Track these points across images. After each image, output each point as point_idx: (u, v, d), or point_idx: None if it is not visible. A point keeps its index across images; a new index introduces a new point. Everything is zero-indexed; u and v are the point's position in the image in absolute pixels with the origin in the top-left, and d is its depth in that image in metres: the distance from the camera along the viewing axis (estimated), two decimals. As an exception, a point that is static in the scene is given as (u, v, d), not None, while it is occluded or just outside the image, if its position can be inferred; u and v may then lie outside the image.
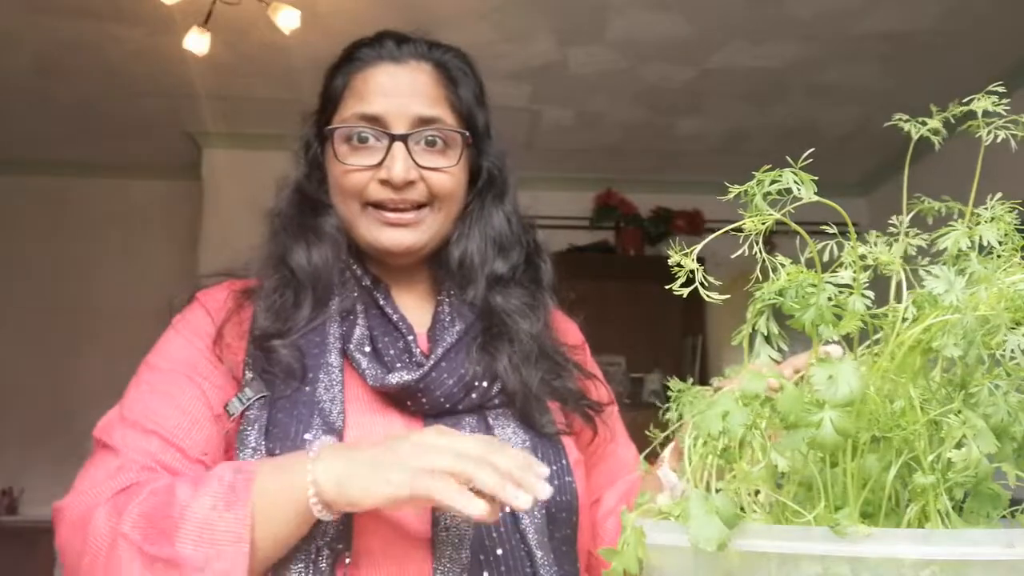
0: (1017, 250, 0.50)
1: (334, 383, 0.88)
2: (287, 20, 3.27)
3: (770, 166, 0.52)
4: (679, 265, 0.55)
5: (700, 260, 0.55)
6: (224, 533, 0.71)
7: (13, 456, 4.71)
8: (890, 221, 0.55)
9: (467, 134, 0.98)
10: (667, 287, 0.56)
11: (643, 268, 4.71)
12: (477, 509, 0.68)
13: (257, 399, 0.86)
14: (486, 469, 0.70)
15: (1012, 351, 0.45)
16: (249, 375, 0.89)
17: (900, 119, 0.56)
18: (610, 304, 4.41)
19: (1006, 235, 0.50)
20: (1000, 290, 0.46)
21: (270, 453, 0.82)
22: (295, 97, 4.16)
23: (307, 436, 0.83)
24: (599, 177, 5.00)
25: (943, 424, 0.46)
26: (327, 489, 0.72)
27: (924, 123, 0.55)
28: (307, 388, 0.87)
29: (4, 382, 4.83)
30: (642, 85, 4.17)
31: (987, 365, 0.47)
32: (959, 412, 0.45)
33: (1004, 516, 0.48)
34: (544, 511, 0.87)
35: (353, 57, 1.00)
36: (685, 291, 0.55)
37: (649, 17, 3.60)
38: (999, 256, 0.49)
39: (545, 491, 0.70)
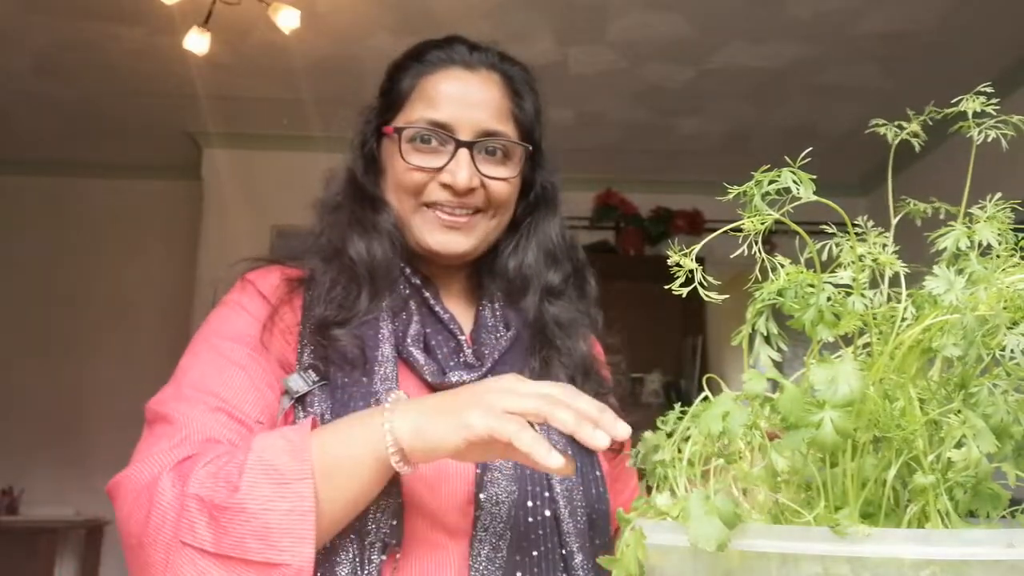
0: (1015, 249, 0.49)
1: (390, 375, 0.88)
2: (287, 20, 3.28)
3: (769, 166, 0.52)
4: (678, 265, 0.55)
5: (699, 260, 0.55)
6: (288, 473, 0.71)
7: (14, 456, 4.71)
8: (842, 221, 0.55)
9: (529, 147, 1.00)
10: (667, 287, 0.56)
11: (643, 268, 4.71)
12: (554, 460, 0.66)
13: (320, 385, 0.86)
14: (562, 408, 0.68)
15: (1012, 351, 0.45)
16: (306, 361, 0.88)
17: (878, 124, 0.56)
18: (610, 304, 4.40)
19: (1003, 234, 0.50)
20: (1000, 290, 0.46)
21: None
22: (295, 97, 4.17)
23: None
24: (599, 177, 5.00)
25: (942, 424, 0.46)
26: (404, 438, 0.72)
27: (902, 127, 0.55)
28: (365, 379, 0.87)
29: (3, 382, 4.83)
30: (642, 85, 4.17)
31: (986, 365, 0.47)
32: (959, 412, 0.45)
33: (1004, 516, 0.48)
34: (587, 516, 0.88)
35: (423, 59, 1.00)
36: (684, 291, 0.55)
37: (649, 17, 3.60)
38: (997, 256, 0.49)
39: (624, 430, 0.68)
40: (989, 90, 0.52)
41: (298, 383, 0.87)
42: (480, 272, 1.03)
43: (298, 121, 4.23)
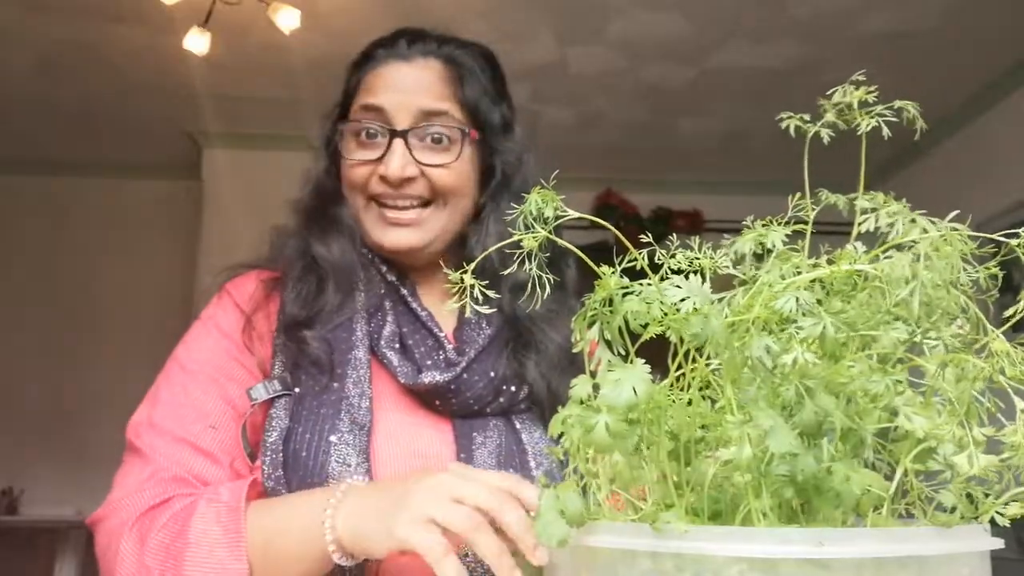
0: (795, 251, 0.51)
1: (362, 379, 0.87)
2: (287, 20, 3.28)
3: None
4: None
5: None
6: (225, 570, 0.73)
7: (13, 456, 4.71)
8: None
9: (467, 130, 0.96)
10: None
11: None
12: None
13: (282, 395, 0.86)
14: (484, 535, 0.63)
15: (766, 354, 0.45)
16: (278, 369, 0.89)
17: (785, 116, 0.56)
18: (610, 304, 4.40)
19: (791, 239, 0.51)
20: (758, 294, 0.47)
21: (294, 455, 0.83)
22: (295, 97, 4.17)
23: (332, 438, 0.83)
24: (599, 177, 5.00)
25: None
26: (344, 539, 0.71)
27: (804, 120, 0.56)
28: (335, 384, 0.87)
29: (3, 382, 4.83)
30: (642, 85, 4.17)
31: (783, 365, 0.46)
32: (742, 411, 0.45)
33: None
34: None
35: (369, 56, 1.00)
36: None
37: (649, 17, 3.60)
38: (783, 259, 0.50)
39: (542, 558, 0.61)
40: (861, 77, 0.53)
41: (260, 392, 0.87)
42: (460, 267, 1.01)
43: (298, 121, 4.23)
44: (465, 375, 0.89)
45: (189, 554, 0.74)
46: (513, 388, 0.92)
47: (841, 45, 3.77)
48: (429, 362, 0.91)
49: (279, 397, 0.87)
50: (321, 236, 0.96)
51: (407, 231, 0.94)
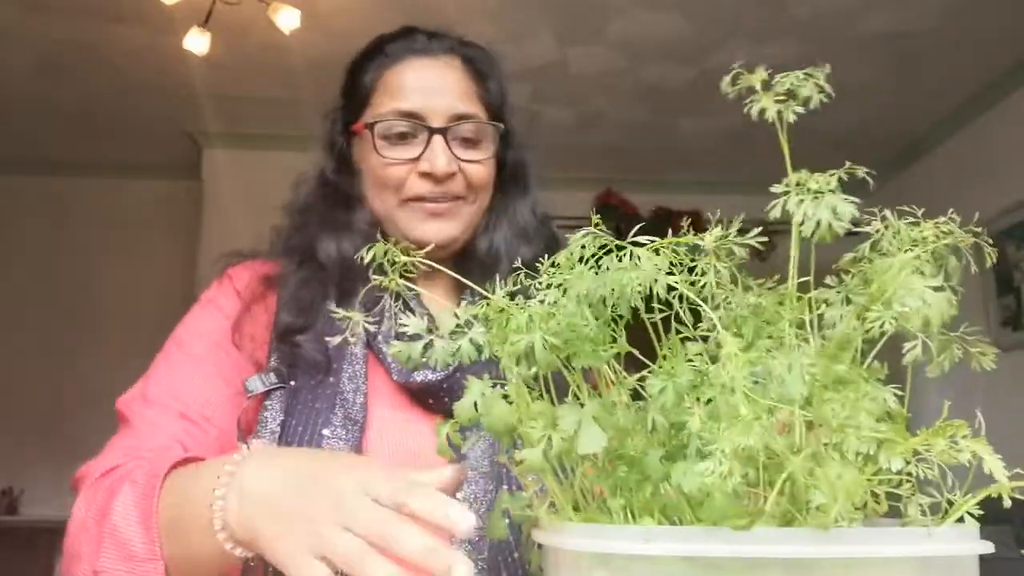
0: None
1: (358, 374, 0.88)
2: (287, 20, 3.28)
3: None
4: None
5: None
6: (137, 553, 0.69)
7: (13, 456, 4.71)
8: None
9: (500, 127, 0.98)
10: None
11: (643, 268, 4.70)
12: None
13: (277, 388, 0.87)
14: (372, 564, 0.54)
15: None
16: (273, 362, 0.89)
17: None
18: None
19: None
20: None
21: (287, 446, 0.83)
22: (295, 97, 4.16)
23: (325, 432, 0.83)
24: (599, 177, 5.00)
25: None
26: (239, 536, 0.63)
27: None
28: (331, 379, 0.88)
29: (3, 382, 4.83)
30: (642, 85, 4.17)
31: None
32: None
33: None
34: None
35: (382, 52, 0.99)
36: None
37: (649, 17, 3.60)
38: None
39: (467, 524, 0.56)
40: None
41: (256, 384, 0.87)
42: (460, 266, 1.01)
43: (298, 121, 4.23)
44: (458, 374, 0.89)
45: (107, 534, 0.71)
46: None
47: (841, 45, 3.77)
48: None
49: (275, 390, 0.87)
50: (331, 238, 0.95)
51: (446, 223, 0.95)
